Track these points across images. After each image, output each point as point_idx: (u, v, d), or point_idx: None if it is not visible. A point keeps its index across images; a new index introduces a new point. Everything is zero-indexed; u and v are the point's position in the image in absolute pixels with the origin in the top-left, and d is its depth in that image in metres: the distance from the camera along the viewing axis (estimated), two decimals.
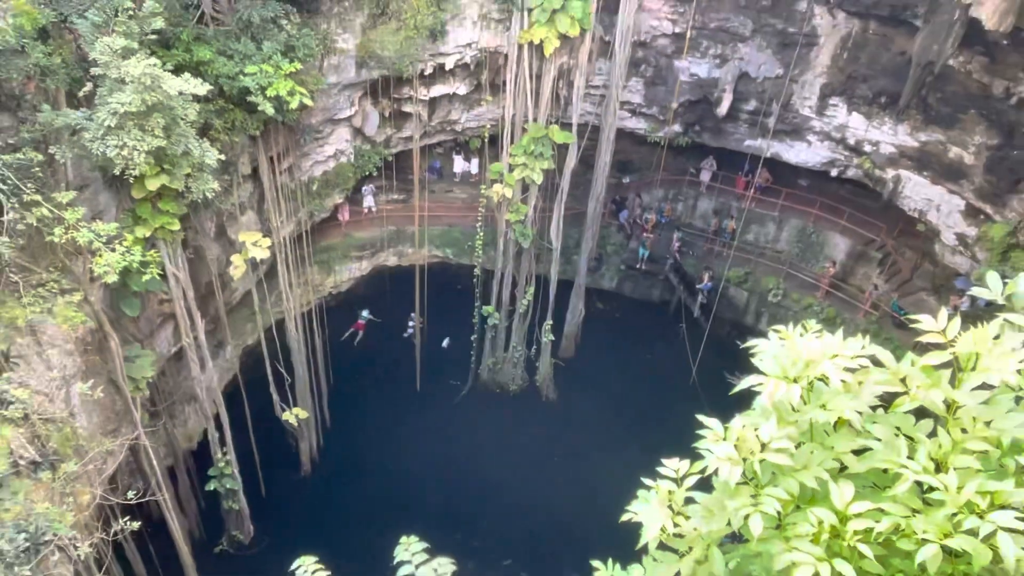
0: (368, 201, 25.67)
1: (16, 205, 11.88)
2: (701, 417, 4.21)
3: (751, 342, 4.38)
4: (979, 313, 18.60)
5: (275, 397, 22.41)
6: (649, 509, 4.17)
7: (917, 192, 21.61)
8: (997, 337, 3.80)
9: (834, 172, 23.67)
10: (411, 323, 27.36)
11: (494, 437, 26.19)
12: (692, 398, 24.59)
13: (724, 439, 4.01)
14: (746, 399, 4.50)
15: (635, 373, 27.30)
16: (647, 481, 4.38)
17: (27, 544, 11.07)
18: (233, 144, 17.65)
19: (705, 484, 4.25)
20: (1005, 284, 4.45)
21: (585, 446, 25.57)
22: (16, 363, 12.78)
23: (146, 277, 14.47)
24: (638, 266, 27.88)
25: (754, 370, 4.16)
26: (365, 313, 27.40)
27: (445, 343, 27.75)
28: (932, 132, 20.55)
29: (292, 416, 22.51)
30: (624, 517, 4.26)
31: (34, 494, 12.21)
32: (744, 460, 3.86)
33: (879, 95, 21.28)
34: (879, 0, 19.30)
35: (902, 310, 22.93)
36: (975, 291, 4.49)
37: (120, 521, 12.84)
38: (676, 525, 4.11)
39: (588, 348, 27.87)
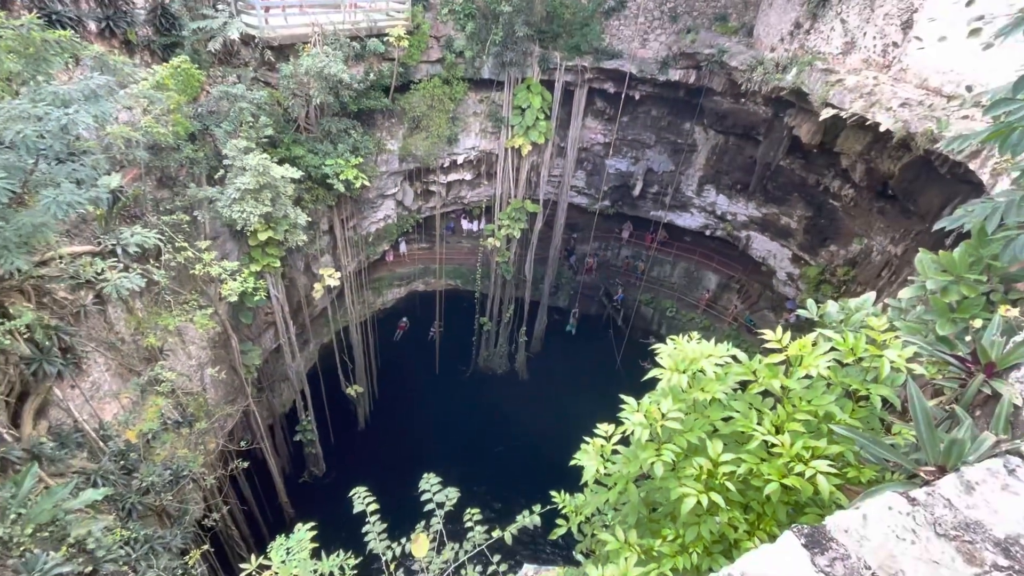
0: (402, 248, 25.44)
1: (170, 249, 11.68)
2: (623, 396, 4.23)
3: (656, 345, 4.36)
4: (802, 325, 18.73)
5: (341, 378, 22.02)
6: (588, 457, 4.16)
7: (761, 246, 21.83)
8: (815, 344, 3.83)
9: (708, 232, 23.86)
10: (432, 329, 27.10)
11: (488, 403, 25.78)
12: (618, 381, 24.33)
13: (638, 411, 4.02)
14: (652, 383, 4.52)
15: (580, 362, 27.09)
16: (587, 439, 4.34)
17: (171, 477, 10.70)
18: (317, 210, 17.51)
19: (625, 441, 4.24)
20: (819, 307, 4.48)
21: (547, 410, 25.17)
22: (167, 355, 12.47)
23: (256, 297, 14.24)
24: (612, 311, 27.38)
25: (658, 364, 4.19)
26: (404, 319, 27.13)
27: (431, 335, 27.00)
28: (770, 207, 20.84)
29: (352, 390, 22.11)
30: (572, 462, 4.24)
31: (177, 443, 11.84)
32: (651, 425, 3.88)
33: (736, 183, 21.57)
34: (736, 123, 19.63)
35: (752, 322, 23.04)
36: (800, 311, 4.53)
37: (235, 461, 12.45)
38: (606, 468, 4.09)
39: (550, 346, 27.69)
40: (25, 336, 8.88)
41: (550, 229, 25.23)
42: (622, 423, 3.99)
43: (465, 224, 27.65)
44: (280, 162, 14.74)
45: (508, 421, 25.09)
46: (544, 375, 27.51)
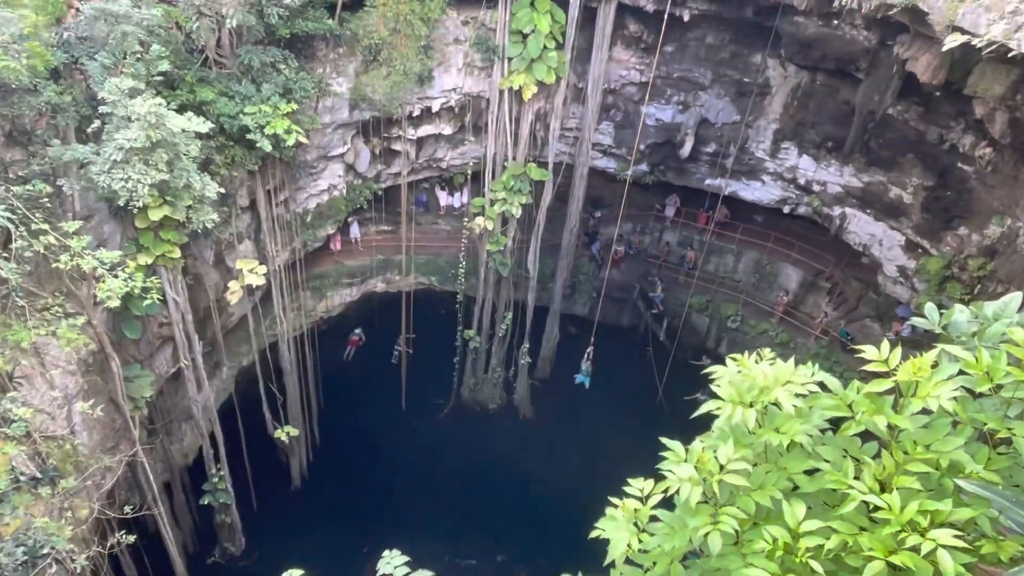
0: (353, 232, 25.55)
1: (24, 233, 11.66)
2: (665, 440, 4.22)
3: (711, 368, 4.40)
4: (919, 339, 18.86)
5: (268, 416, 22.06)
6: (616, 527, 4.13)
7: (861, 228, 21.93)
8: (935, 366, 3.83)
9: (786, 209, 23.98)
10: (397, 347, 27.16)
11: (474, 452, 25.93)
12: (658, 418, 24.53)
13: (685, 460, 4.02)
14: (707, 421, 4.49)
15: (606, 393, 27.23)
16: (615, 501, 4.35)
17: (25, 558, 10.70)
18: (232, 178, 17.51)
19: (668, 503, 4.23)
20: (942, 314, 4.51)
21: (558, 462, 25.34)
22: (20, 383, 12.45)
23: (147, 302, 14.24)
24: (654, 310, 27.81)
25: (715, 395, 4.19)
26: (358, 331, 27.41)
27: (395, 355, 27.38)
28: (874, 174, 20.92)
29: (284, 434, 22.12)
30: (593, 534, 4.23)
31: (34, 508, 11.83)
32: (704, 480, 3.87)
33: (826, 140, 21.65)
34: (825, 55, 19.58)
35: (849, 335, 23.17)
36: (915, 321, 4.54)
37: (117, 534, 12.46)
38: (641, 542, 4.08)
39: (563, 370, 27.76)
40: None
41: (564, 205, 25.37)
42: (663, 478, 4.01)
43: (443, 198, 27.78)
44: (181, 110, 14.79)
45: (504, 477, 25.23)
46: (554, 412, 27.72)
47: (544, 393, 27.81)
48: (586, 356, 25.66)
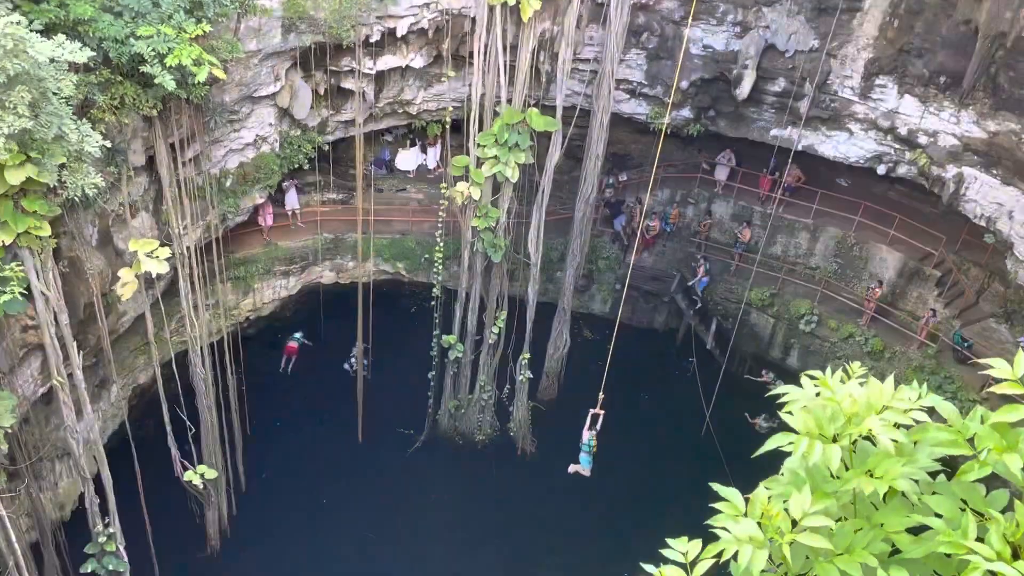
0: (291, 201, 25.47)
1: None
2: (716, 486, 4.31)
3: (779, 389, 4.39)
4: None
5: (174, 452, 22.02)
6: None
7: (985, 195, 21.91)
8: None
9: (882, 169, 23.97)
10: (352, 357, 27.34)
11: (456, 501, 26.05)
12: (706, 457, 24.67)
13: (745, 514, 4.10)
14: (773, 460, 4.49)
15: (634, 421, 27.27)
16: (648, 568, 4.34)
17: None
18: (122, 127, 17.39)
19: (722, 572, 4.25)
20: None
21: (572, 515, 25.41)
22: None
23: (5, 297, 14.14)
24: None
25: (785, 425, 4.21)
26: (298, 335, 27.65)
27: (349, 368, 27.64)
28: (1004, 120, 20.88)
29: (196, 476, 22.11)
30: None
31: None
32: (771, 541, 3.95)
33: (938, 74, 21.59)
34: None
35: (966, 342, 23.19)
36: None
37: None
38: None
39: (575, 388, 27.70)
40: None
41: (577, 166, 25.26)
42: (715, 537, 4.09)
43: (413, 157, 27.72)
44: (48, 31, 14.65)
45: (496, 537, 25.30)
46: (565, 447, 27.42)
47: (550, 421, 27.86)
48: (589, 422, 21.71)
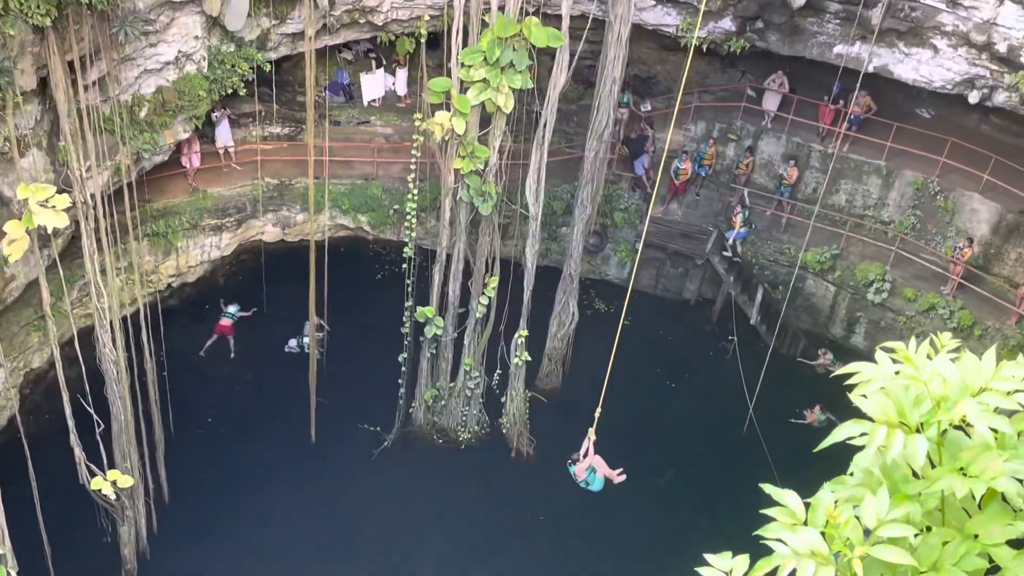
0: (223, 136, 25.27)
1: None
2: (769, 488, 4.31)
3: (848, 368, 4.39)
4: None
5: (79, 453, 21.99)
6: None
7: None
8: None
9: (974, 97, 23.91)
10: (302, 335, 27.44)
11: (434, 516, 26.14)
12: (748, 458, 24.86)
13: (805, 522, 4.10)
14: (835, 462, 4.50)
15: (660, 414, 27.33)
16: None
17: None
18: (6, 39, 17.26)
19: None
20: None
21: (582, 532, 25.58)
22: None
23: None
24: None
25: (859, 414, 4.19)
26: (233, 309, 27.79)
27: (296, 343, 27.88)
28: None
29: (106, 484, 22.07)
30: None
31: None
32: (837, 556, 3.94)
33: None
34: None
35: None
36: None
37: None
38: None
39: (583, 375, 27.82)
40: None
41: (588, 91, 25.10)
42: (767, 551, 4.09)
43: (378, 81, 27.40)
44: None
45: (485, 560, 25.42)
46: (572, 448, 27.63)
47: (552, 415, 27.99)
48: (584, 452, 22.33)
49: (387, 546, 25.59)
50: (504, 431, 27.84)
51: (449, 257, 25.66)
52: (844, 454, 4.30)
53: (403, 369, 27.40)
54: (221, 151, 25.50)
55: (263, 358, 27.71)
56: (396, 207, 26.22)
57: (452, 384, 27.44)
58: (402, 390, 27.63)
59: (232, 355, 28.03)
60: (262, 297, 27.82)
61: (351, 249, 27.26)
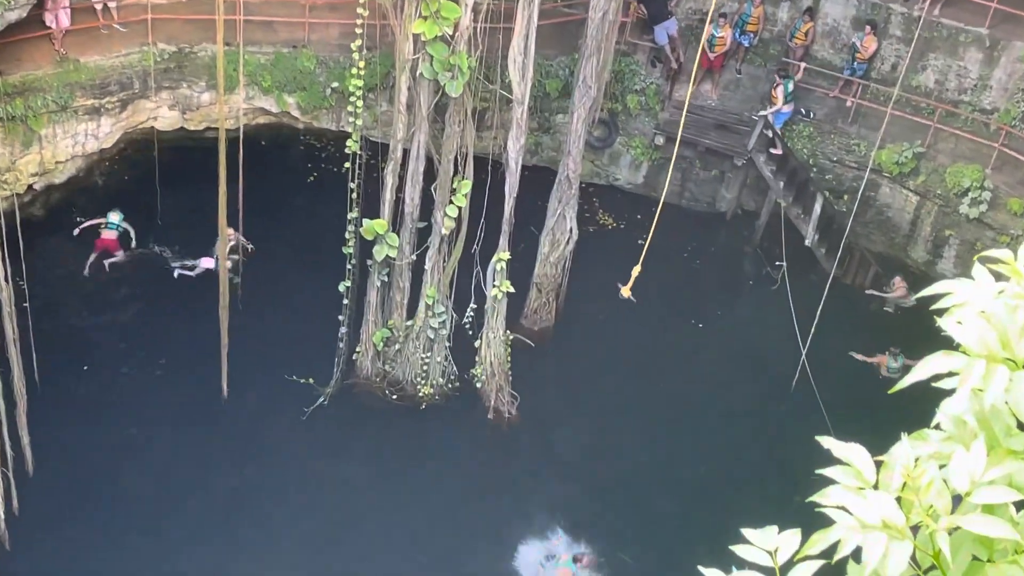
0: None
1: None
2: (828, 440, 4.23)
3: (935, 288, 4.42)
4: None
5: None
6: None
7: None
8: None
9: None
10: (211, 258, 27.36)
11: (383, 492, 26.10)
12: (800, 410, 25.12)
13: (875, 485, 4.10)
14: (917, 411, 4.52)
15: (687, 358, 27.40)
16: (705, 571, 4.41)
17: None
18: None
19: (838, 574, 4.32)
20: None
21: (582, 510, 25.65)
22: None
23: None
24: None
25: (937, 343, 4.21)
26: (116, 220, 27.74)
27: (197, 265, 27.96)
28: None
29: None
30: None
31: None
32: (918, 528, 3.96)
33: None
34: None
35: None
36: None
37: None
38: None
39: (583, 310, 27.93)
40: None
41: None
42: (824, 523, 4.07)
43: None
44: None
45: (449, 546, 25.35)
46: (568, 408, 28.23)
47: (543, 364, 28.15)
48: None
49: (319, 534, 25.26)
50: (478, 385, 27.71)
51: (406, 154, 25.54)
52: (925, 405, 4.30)
53: (345, 303, 27.10)
54: (98, 6, 25.11)
55: (157, 287, 27.45)
56: (335, 85, 25.95)
57: (409, 323, 27.31)
58: (343, 330, 27.46)
59: (104, 277, 27.69)
60: (155, 204, 27.54)
61: (274, 141, 26.95)
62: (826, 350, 25.90)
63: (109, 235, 27.71)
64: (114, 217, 27.80)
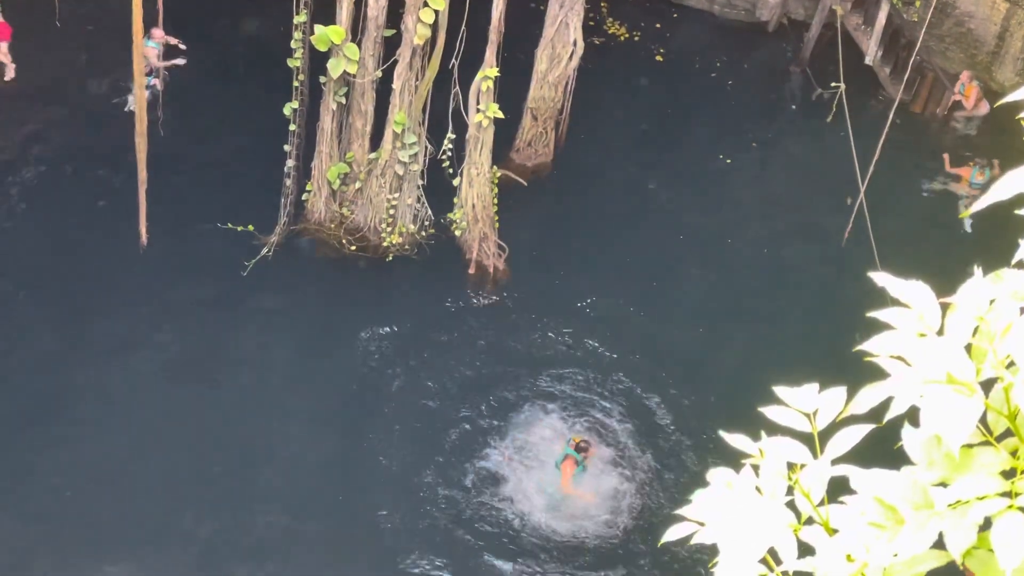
0: None
1: None
2: (883, 276, 4.38)
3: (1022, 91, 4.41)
4: None
5: None
6: (734, 510, 4.30)
7: None
8: None
9: None
10: (152, 81, 27.34)
11: (337, 367, 26.42)
12: (853, 263, 25.13)
13: (939, 331, 4.17)
14: (993, 254, 4.49)
15: (708, 203, 27.53)
16: (728, 438, 4.45)
17: None
18: None
19: (886, 442, 4.39)
20: None
21: (585, 397, 26.03)
22: None
23: None
24: None
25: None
26: None
27: (130, 102, 27.87)
28: None
29: None
30: (669, 536, 4.44)
31: None
32: (990, 384, 3.98)
33: None
34: None
35: None
36: None
37: None
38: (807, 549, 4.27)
39: (588, 141, 28.01)
40: None
41: None
42: (867, 378, 4.09)
43: None
44: None
45: (425, 433, 25.69)
46: (573, 266, 28.63)
47: (538, 209, 28.54)
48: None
49: (259, 412, 25.58)
50: (457, 233, 27.97)
51: None
52: (1002, 252, 4.36)
53: (292, 129, 27.28)
54: None
55: (61, 98, 27.56)
56: None
57: (373, 156, 27.41)
58: (290, 163, 27.59)
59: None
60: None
61: None
62: (886, 193, 25.99)
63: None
64: None
